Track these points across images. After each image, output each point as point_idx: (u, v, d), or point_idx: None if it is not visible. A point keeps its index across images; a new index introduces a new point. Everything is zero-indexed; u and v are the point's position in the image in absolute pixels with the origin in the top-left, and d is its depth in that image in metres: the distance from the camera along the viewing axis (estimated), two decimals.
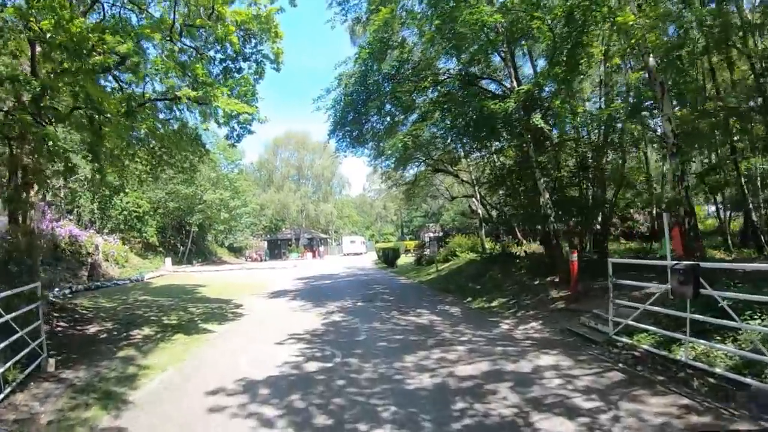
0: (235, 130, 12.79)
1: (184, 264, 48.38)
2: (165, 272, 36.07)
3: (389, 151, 21.46)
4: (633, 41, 12.92)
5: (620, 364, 8.01)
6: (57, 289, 20.86)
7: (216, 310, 16.26)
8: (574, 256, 13.64)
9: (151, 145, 18.44)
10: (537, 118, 14.96)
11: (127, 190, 36.45)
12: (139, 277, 29.39)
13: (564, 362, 8.31)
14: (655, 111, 14.78)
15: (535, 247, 22.45)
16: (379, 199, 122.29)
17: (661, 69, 13.20)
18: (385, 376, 7.93)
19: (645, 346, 8.17)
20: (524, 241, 29.06)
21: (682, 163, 12.90)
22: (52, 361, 8.74)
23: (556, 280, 15.19)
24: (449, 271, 24.20)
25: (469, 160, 25.92)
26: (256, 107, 12.09)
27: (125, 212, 36.55)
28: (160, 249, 51.00)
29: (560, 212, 16.33)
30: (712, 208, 28.11)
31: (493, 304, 15.25)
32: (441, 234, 33.13)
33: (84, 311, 16.22)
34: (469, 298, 16.65)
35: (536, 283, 15.95)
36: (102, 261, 30.09)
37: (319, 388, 7.42)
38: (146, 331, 12.82)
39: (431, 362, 8.65)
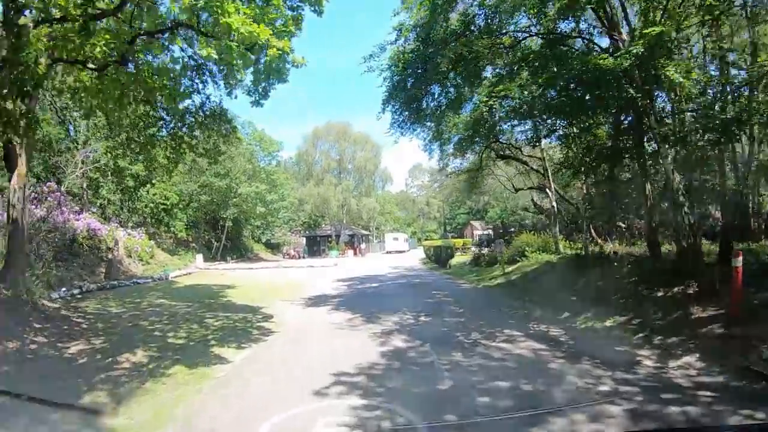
0: (260, 77, 8.95)
1: (218, 261, 45.54)
2: (194, 270, 33.14)
3: (453, 129, 17.66)
4: None
5: None
6: (64, 289, 17.96)
7: (238, 324, 12.67)
8: (739, 260, 9.43)
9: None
10: (671, 72, 10.70)
11: (154, 182, 33.70)
12: (162, 276, 26.47)
13: None
14: None
15: (620, 247, 18.33)
16: (422, 195, 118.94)
17: None
18: None
19: None
20: (599, 240, 25.03)
21: None
22: None
23: (691, 292, 11.00)
24: (521, 274, 20.13)
25: (546, 142, 21.75)
26: (289, 42, 8.15)
27: (151, 205, 33.52)
28: (193, 245, 48.48)
29: (693, 201, 12.16)
30: None
31: (607, 323, 11.13)
32: (498, 231, 28.83)
33: (80, 319, 13.03)
34: (566, 313, 12.55)
35: (659, 295, 11.76)
36: (123, 257, 27.50)
37: None
38: (139, 355, 9.35)
39: None
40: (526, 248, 22.80)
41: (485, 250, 28.49)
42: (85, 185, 31.41)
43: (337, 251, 55.01)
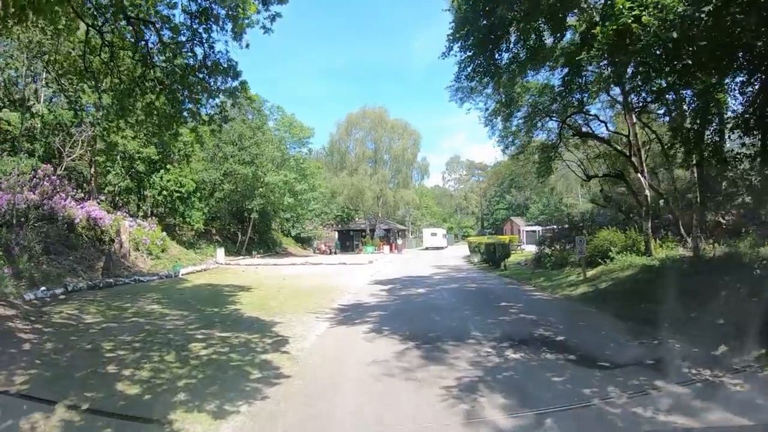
0: None
1: (242, 255, 42.08)
2: (212, 266, 29.75)
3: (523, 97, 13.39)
4: None
5: None
6: (43, 288, 14.98)
7: (235, 356, 8.55)
8: None
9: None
10: None
11: (169, 167, 30.23)
12: (171, 273, 23.95)
13: None
14: None
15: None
16: (459, 190, 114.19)
17: None
18: None
19: None
20: (687, 239, 20.47)
21: None
22: None
23: None
24: (611, 281, 15.65)
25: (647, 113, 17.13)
26: None
27: (165, 192, 29.95)
28: (217, 237, 45.14)
29: None
30: None
31: None
32: (564, 227, 24.09)
33: (31, 334, 9.69)
34: (722, 347, 8.09)
35: None
36: (130, 250, 24.27)
37: None
38: (54, 419, 5.43)
39: None
40: (611, 248, 18.26)
41: (547, 250, 23.96)
42: (92, 171, 28.14)
43: (373, 247, 50.72)
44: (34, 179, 20.93)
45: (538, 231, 52.42)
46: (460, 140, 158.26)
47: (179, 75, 12.87)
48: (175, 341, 9.50)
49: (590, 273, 17.53)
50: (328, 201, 57.55)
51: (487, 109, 18.86)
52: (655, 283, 13.38)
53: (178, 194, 30.94)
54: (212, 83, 13.50)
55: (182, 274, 24.33)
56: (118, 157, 29.08)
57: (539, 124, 19.72)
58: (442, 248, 60.76)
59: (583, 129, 20.10)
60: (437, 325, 10.86)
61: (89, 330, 10.37)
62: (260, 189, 41.55)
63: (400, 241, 57.23)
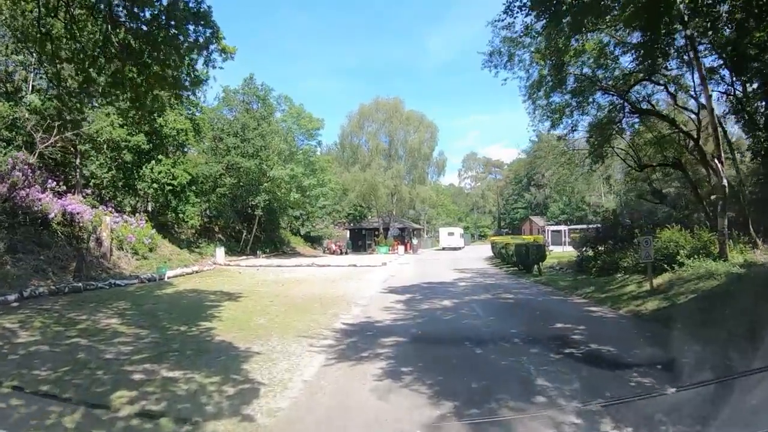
0: None
1: (246, 255, 39.06)
2: (208, 267, 27.06)
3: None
4: None
5: None
6: None
7: (167, 425, 5.30)
8: None
9: None
10: None
11: (160, 157, 27.30)
12: (155, 276, 20.88)
13: None
14: None
15: None
16: (475, 188, 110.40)
17: None
18: None
19: None
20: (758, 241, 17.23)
21: None
22: None
23: None
24: (693, 294, 12.21)
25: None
26: None
27: (155, 185, 26.92)
28: (220, 236, 42.20)
29: None
30: None
31: None
32: (608, 226, 20.47)
33: None
34: None
35: None
36: (111, 249, 21.58)
37: None
38: None
39: None
40: (680, 251, 14.84)
41: (590, 252, 20.51)
42: (78, 161, 25.38)
43: (387, 247, 47.10)
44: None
45: (564, 230, 49.12)
46: (473, 140, 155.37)
47: (145, 33, 10.37)
48: (99, 383, 6.56)
49: (660, 282, 14.12)
50: (339, 198, 54.37)
51: (528, 78, 15.62)
52: (760, 299, 9.97)
53: (171, 188, 27.84)
54: (181, 38, 10.68)
55: (169, 277, 21.47)
56: (105, 147, 26.18)
57: (590, 99, 16.33)
58: (459, 248, 57.22)
59: (641, 105, 16.61)
60: (480, 366, 7.51)
61: (8, 356, 7.80)
62: (265, 184, 38.46)
63: (415, 241, 53.63)
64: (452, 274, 24.03)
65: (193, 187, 30.49)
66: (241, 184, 38.47)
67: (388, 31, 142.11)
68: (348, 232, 60.33)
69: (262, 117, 39.67)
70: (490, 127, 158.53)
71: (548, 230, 48.71)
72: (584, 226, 55.28)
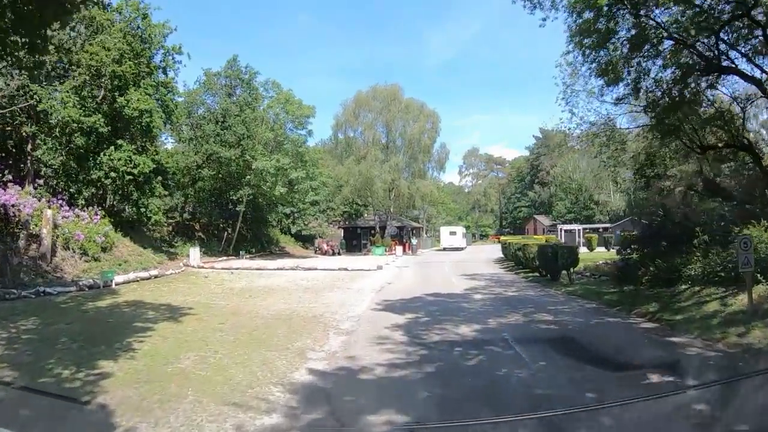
0: None
1: (228, 256, 35.06)
2: (178, 270, 23.88)
3: None
4: None
5: None
6: None
7: None
8: None
9: None
10: None
11: (120, 143, 23.29)
12: (98, 282, 17.38)
13: None
14: None
15: None
16: (476, 185, 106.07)
17: None
18: None
19: None
20: None
21: None
22: None
23: None
24: None
25: None
26: None
27: (113, 174, 22.86)
28: (200, 234, 38.20)
29: None
30: None
31: None
32: (654, 223, 16.45)
33: None
34: None
35: None
36: (53, 248, 18.20)
37: None
38: None
39: None
40: None
41: (633, 255, 16.42)
42: (30, 147, 21.82)
43: (383, 248, 42.47)
44: None
45: (578, 230, 45.16)
46: (475, 139, 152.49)
47: None
48: None
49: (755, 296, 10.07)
50: (332, 194, 50.18)
51: (577, 14, 11.54)
52: None
53: (131, 178, 23.68)
54: None
55: (117, 284, 17.93)
56: (57, 130, 22.23)
57: (650, 51, 12.22)
58: (461, 249, 52.98)
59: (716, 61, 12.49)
60: None
61: None
62: (248, 177, 34.34)
63: (414, 241, 49.13)
64: (461, 281, 19.93)
65: (159, 178, 26.31)
66: (221, 175, 34.32)
67: (388, 29, 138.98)
68: (342, 231, 56.19)
69: (246, 103, 35.57)
70: (492, 127, 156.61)
71: (561, 230, 44.61)
72: (600, 226, 51.68)
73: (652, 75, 12.82)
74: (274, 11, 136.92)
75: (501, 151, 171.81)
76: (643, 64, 12.49)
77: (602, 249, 37.00)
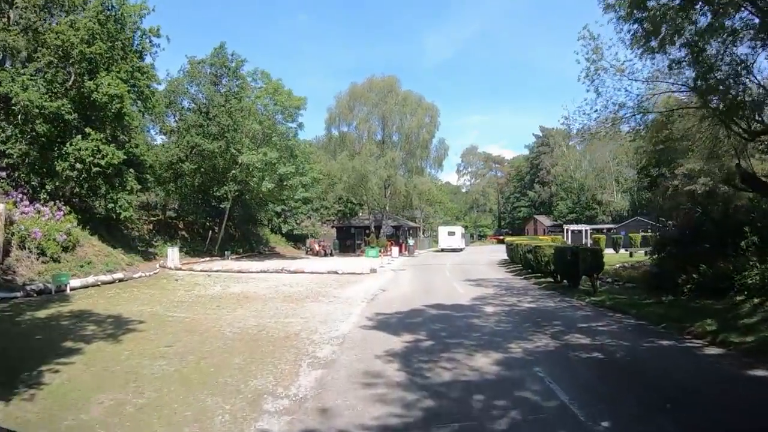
0: None
1: (212, 256, 32.66)
2: (146, 273, 21.29)
3: None
4: None
5: None
6: None
7: None
8: None
9: None
10: None
11: (88, 131, 20.97)
12: (50, 286, 15.21)
13: None
14: None
15: None
16: (474, 184, 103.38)
17: None
18: None
19: None
20: None
21: None
22: None
23: None
24: None
25: None
26: None
27: (79, 166, 20.47)
28: (184, 233, 35.84)
29: None
30: None
31: None
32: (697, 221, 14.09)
33: None
34: None
35: None
36: (9, 248, 16.23)
37: None
38: None
39: None
40: None
41: (666, 257, 14.06)
42: None
43: (377, 250, 39.26)
44: None
45: (586, 230, 42.77)
46: (472, 139, 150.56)
47: None
48: None
49: None
50: (325, 191, 47.63)
51: None
52: None
53: (99, 169, 21.23)
54: None
55: (73, 288, 15.74)
56: (20, 116, 19.83)
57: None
58: (460, 250, 50.47)
59: None
60: None
61: None
62: (234, 171, 31.86)
63: (411, 242, 46.35)
64: (467, 288, 17.45)
65: (132, 171, 23.82)
66: (203, 170, 31.80)
67: (386, 30, 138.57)
68: (335, 230, 53.64)
69: (233, 93, 33.10)
70: (489, 128, 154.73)
71: (568, 230, 42.07)
72: (603, 226, 49.32)
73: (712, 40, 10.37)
74: (273, 10, 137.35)
75: (499, 151, 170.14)
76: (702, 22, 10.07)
77: (610, 251, 34.59)
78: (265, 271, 23.61)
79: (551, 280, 18.42)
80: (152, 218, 34.15)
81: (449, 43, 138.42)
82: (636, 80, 14.01)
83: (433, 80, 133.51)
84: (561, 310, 12.61)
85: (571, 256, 15.80)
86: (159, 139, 35.77)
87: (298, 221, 52.19)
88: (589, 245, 35.91)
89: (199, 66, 34.05)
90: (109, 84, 21.24)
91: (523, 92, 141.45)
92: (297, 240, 50.77)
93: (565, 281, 17.34)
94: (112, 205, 22.70)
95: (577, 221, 64.13)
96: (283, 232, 50.64)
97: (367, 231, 47.35)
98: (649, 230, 42.75)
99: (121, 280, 18.52)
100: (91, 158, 20.86)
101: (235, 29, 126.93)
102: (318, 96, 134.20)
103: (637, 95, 14.10)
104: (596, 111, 14.09)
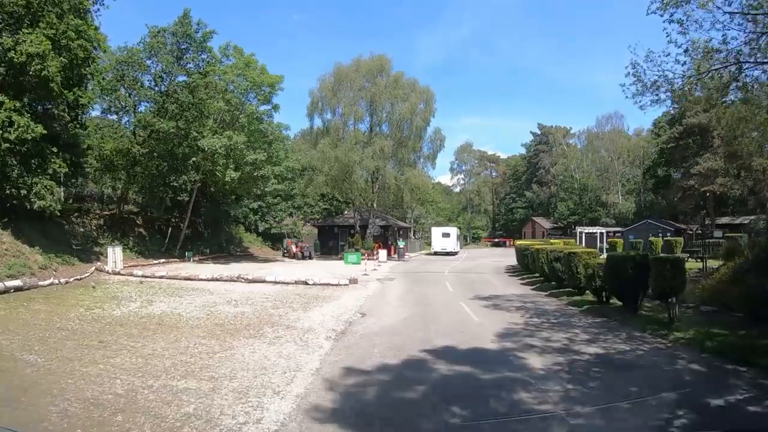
0: None
1: (171, 257, 27.83)
2: (68, 279, 17.02)
3: None
4: None
5: None
6: None
7: None
8: None
9: None
10: None
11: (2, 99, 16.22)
12: None
13: None
14: None
15: None
16: (468, 184, 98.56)
17: None
18: None
19: None
20: None
21: None
22: None
23: None
24: None
25: None
26: None
27: None
28: (141, 230, 30.89)
29: None
30: None
31: None
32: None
33: None
34: None
35: None
36: None
37: None
38: None
39: None
40: None
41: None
42: None
43: (358, 255, 33.24)
44: None
45: (600, 233, 38.04)
46: (465, 141, 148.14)
47: None
48: None
49: None
50: (305, 184, 42.58)
51: None
52: None
53: (9, 145, 16.52)
54: None
55: None
56: None
57: None
58: (454, 254, 45.67)
59: None
60: None
61: None
62: (195, 158, 26.90)
63: (402, 244, 41.09)
64: (482, 313, 12.43)
65: (60, 152, 18.99)
66: (156, 154, 26.70)
67: (378, 31, 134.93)
68: (316, 230, 48.61)
69: (196, 66, 28.17)
70: (481, 130, 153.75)
71: (580, 233, 37.01)
72: (608, 230, 44.89)
73: None
74: (265, 9, 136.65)
75: (492, 151, 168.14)
76: None
77: None
78: (217, 279, 18.67)
79: (592, 299, 13.54)
80: (106, 213, 29.29)
81: (442, 44, 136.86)
82: (733, 13, 9.45)
83: (425, 82, 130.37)
84: (649, 362, 7.65)
85: (635, 268, 10.96)
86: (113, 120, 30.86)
87: (277, 219, 47.15)
88: (604, 249, 31.34)
89: (159, 36, 28.99)
90: (31, 42, 16.74)
91: (516, 95, 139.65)
92: (275, 240, 45.72)
93: (609, 301, 12.62)
94: (25, 191, 17.86)
95: (578, 223, 59.95)
96: (260, 231, 45.67)
97: (352, 231, 42.03)
98: (668, 234, 38.88)
99: (18, 289, 13.74)
100: (11, 135, 16.24)
101: (227, 28, 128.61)
102: (307, 96, 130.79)
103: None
104: (687, 52, 9.40)
